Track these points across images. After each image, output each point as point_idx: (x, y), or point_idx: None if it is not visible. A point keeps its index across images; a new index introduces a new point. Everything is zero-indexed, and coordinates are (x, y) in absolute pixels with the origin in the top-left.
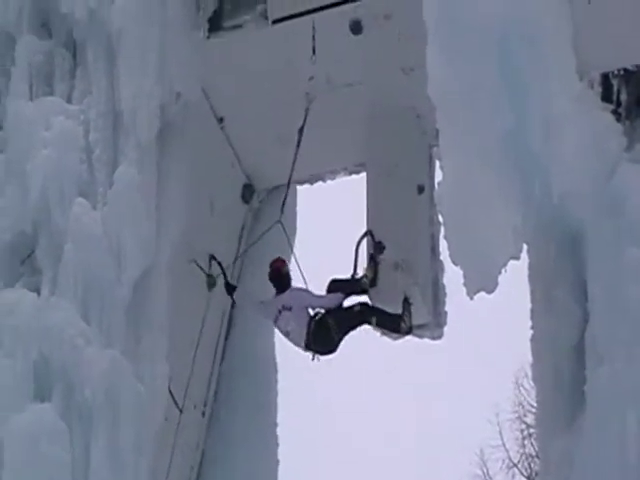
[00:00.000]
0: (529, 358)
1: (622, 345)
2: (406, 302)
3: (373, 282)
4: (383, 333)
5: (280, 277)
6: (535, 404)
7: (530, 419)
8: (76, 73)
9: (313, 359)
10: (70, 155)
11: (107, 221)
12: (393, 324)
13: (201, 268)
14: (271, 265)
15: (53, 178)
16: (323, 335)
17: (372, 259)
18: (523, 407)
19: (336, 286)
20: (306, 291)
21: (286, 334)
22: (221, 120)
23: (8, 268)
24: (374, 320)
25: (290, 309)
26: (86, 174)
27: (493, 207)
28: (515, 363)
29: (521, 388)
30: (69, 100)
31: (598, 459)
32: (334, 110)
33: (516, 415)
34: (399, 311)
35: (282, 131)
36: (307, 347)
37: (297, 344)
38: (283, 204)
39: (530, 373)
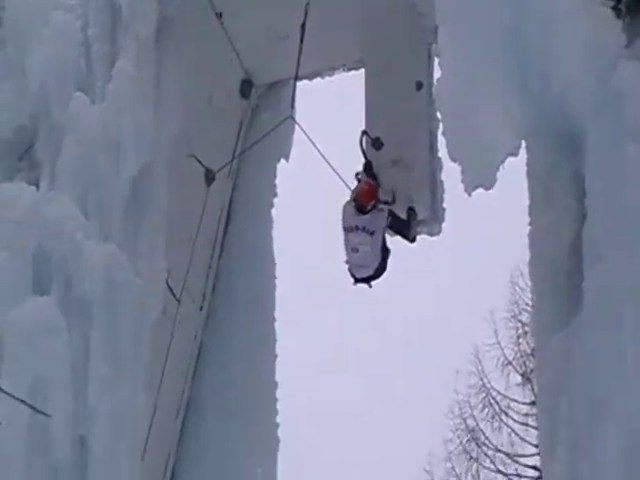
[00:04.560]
0: (525, 257)
1: (620, 242)
2: (411, 211)
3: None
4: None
5: (368, 202)
6: (530, 302)
7: (525, 317)
8: None
9: (355, 284)
10: (68, 50)
11: (106, 116)
12: (402, 230)
13: (200, 162)
14: (362, 188)
15: (52, 73)
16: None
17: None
18: (518, 305)
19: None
20: (384, 215)
21: (354, 250)
22: (220, 15)
23: (7, 163)
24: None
25: (372, 233)
26: (85, 69)
27: (492, 103)
28: (511, 261)
29: (516, 287)
30: None
31: (594, 356)
32: (333, 6)
33: (511, 314)
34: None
35: (281, 26)
36: (370, 277)
37: (360, 266)
38: (293, 99)
39: (525, 271)
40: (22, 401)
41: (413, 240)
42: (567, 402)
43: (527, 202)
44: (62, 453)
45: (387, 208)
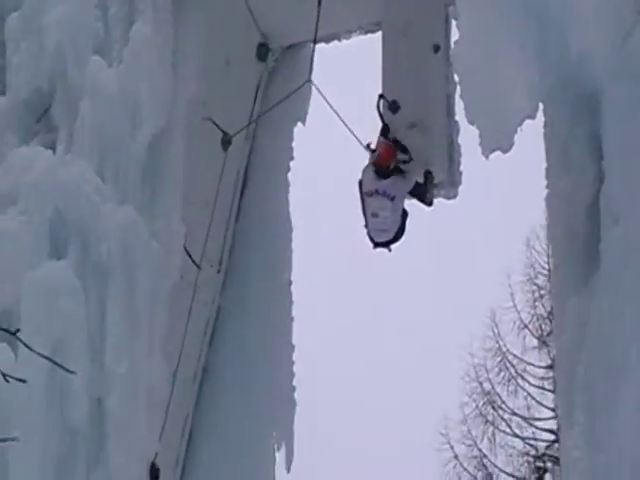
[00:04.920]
0: (540, 220)
1: (637, 205)
2: (429, 174)
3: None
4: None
5: (388, 165)
6: (546, 266)
7: (541, 281)
8: None
9: (375, 248)
10: (85, 12)
11: (123, 79)
12: (420, 193)
13: (217, 126)
14: (381, 151)
15: (69, 35)
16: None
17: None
18: (534, 269)
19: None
20: (405, 181)
21: (374, 215)
22: None
23: (24, 125)
24: None
25: (393, 199)
26: (102, 31)
27: (509, 66)
28: (527, 225)
29: (532, 250)
30: None
31: (613, 318)
32: None
33: (527, 277)
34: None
35: None
36: (389, 242)
37: (380, 230)
38: (311, 63)
39: (541, 235)
40: (46, 357)
41: (430, 204)
42: (585, 364)
43: (544, 165)
44: (79, 414)
45: (413, 176)
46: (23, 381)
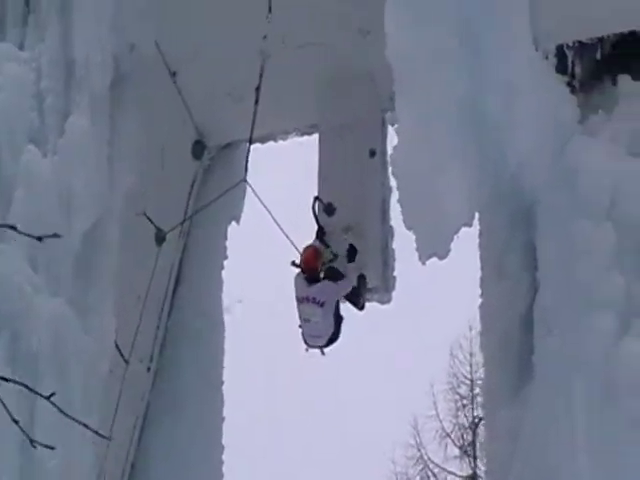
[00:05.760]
0: (464, 330)
1: (570, 315)
2: (362, 278)
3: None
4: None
5: (315, 269)
6: (469, 375)
7: (463, 390)
8: (29, 20)
9: (307, 350)
10: (21, 101)
11: (58, 170)
12: (353, 297)
13: (151, 221)
14: (306, 257)
15: (4, 124)
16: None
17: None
18: (457, 378)
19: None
20: (335, 285)
21: (306, 320)
22: (174, 74)
23: None
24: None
25: (322, 305)
26: (37, 122)
27: (447, 173)
28: (450, 334)
29: (455, 359)
30: (21, 47)
31: (545, 429)
32: (288, 70)
33: (450, 386)
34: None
35: (235, 88)
36: (325, 345)
37: (312, 336)
38: (246, 162)
39: (464, 344)
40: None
41: (362, 308)
42: (517, 473)
43: (473, 273)
44: None
45: (348, 280)
46: (52, 448)
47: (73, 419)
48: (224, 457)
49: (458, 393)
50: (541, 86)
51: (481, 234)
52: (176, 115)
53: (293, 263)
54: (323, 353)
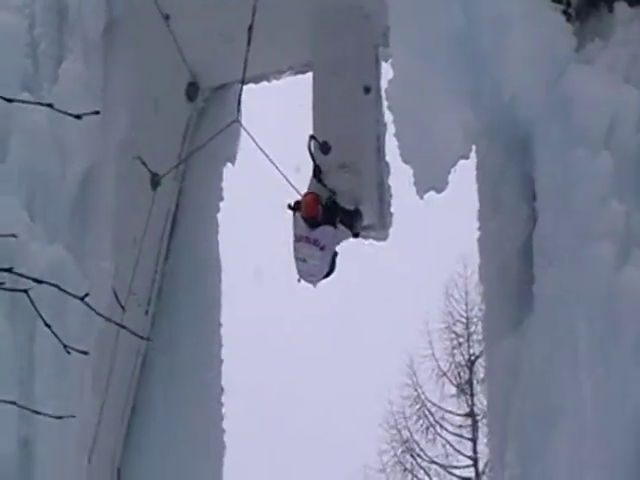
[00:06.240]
0: (459, 268)
1: (570, 245)
2: (358, 210)
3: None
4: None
5: (315, 216)
6: (464, 314)
7: (459, 329)
8: None
9: (299, 281)
10: (14, 49)
11: (52, 116)
12: (348, 221)
13: (145, 165)
14: (307, 203)
15: None
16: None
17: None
18: (453, 317)
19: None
20: (335, 231)
21: (301, 260)
22: (167, 17)
23: None
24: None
25: (322, 249)
26: (31, 69)
27: (443, 106)
28: (445, 273)
29: (451, 298)
30: None
31: (547, 361)
32: (281, 8)
33: (445, 325)
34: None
35: (228, 29)
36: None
37: (308, 274)
38: (239, 103)
39: (459, 283)
40: None
41: (357, 235)
42: (518, 409)
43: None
44: (6, 452)
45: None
46: (85, 353)
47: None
48: (223, 399)
49: (454, 332)
50: (535, 16)
51: (478, 166)
52: (170, 58)
53: (289, 206)
54: (314, 285)
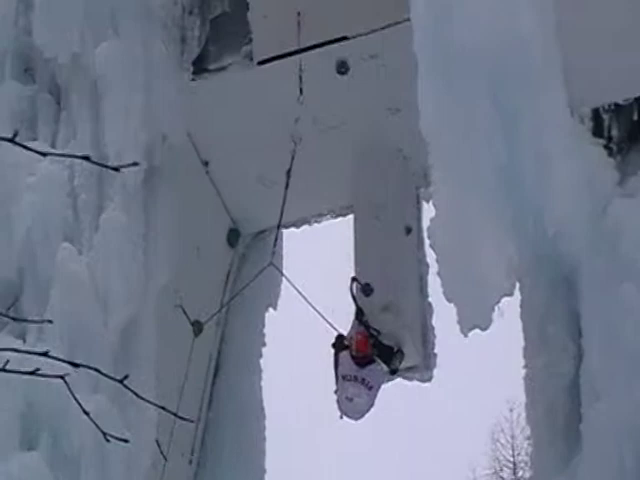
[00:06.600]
0: (504, 412)
1: (619, 380)
2: (399, 352)
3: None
4: None
5: (365, 355)
6: (511, 459)
7: (507, 474)
8: (60, 117)
9: (342, 417)
10: (55, 199)
11: (93, 266)
12: (386, 357)
13: (186, 315)
14: (358, 343)
15: (38, 223)
16: None
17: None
18: (499, 462)
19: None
20: (382, 368)
21: (348, 399)
22: (206, 164)
23: None
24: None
25: (371, 388)
26: (71, 219)
27: (486, 243)
28: (491, 417)
29: (497, 443)
30: (53, 145)
31: None
32: (320, 152)
33: (492, 470)
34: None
35: (268, 174)
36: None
37: (352, 412)
38: (274, 245)
39: (506, 427)
40: None
41: (394, 372)
42: None
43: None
44: None
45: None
46: (126, 441)
47: None
48: None
49: (501, 477)
50: (577, 150)
51: (522, 303)
52: (210, 204)
53: (335, 345)
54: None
